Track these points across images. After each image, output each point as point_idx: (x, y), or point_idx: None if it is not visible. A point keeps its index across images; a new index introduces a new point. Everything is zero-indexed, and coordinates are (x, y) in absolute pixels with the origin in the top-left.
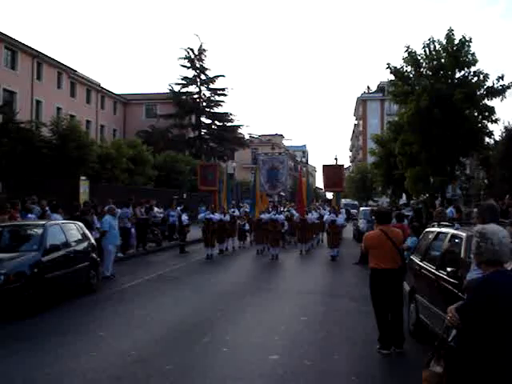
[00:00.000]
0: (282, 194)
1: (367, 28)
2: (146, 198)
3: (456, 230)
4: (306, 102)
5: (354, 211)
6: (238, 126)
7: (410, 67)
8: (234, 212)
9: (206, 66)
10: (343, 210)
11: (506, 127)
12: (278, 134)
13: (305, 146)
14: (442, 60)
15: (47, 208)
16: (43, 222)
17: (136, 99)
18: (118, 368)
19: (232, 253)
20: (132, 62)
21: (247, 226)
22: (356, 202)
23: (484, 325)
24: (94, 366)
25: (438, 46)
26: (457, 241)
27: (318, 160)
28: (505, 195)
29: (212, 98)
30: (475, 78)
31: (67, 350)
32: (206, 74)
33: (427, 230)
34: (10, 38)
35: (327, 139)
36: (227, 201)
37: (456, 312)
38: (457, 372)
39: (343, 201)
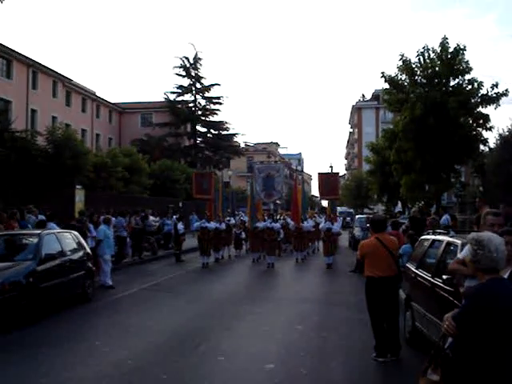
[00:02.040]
0: (277, 202)
1: (362, 36)
2: (142, 206)
3: (451, 237)
4: (301, 110)
5: (348, 219)
6: (234, 135)
7: (404, 75)
8: (229, 220)
9: (202, 75)
10: (340, 218)
11: (500, 134)
12: (274, 142)
13: (300, 154)
14: (437, 68)
15: (42, 217)
16: (38, 232)
17: (131, 108)
18: (114, 377)
19: (228, 261)
20: (127, 71)
21: (243, 235)
22: (351, 210)
23: (482, 332)
24: (90, 375)
25: (432, 55)
26: (452, 248)
27: (313, 168)
28: (500, 202)
29: (207, 107)
30: (469, 86)
31: (63, 359)
32: (201, 83)
33: (422, 237)
34: (5, 47)
35: (322, 147)
36: (222, 209)
37: (453, 320)
38: (454, 380)
39: (339, 209)
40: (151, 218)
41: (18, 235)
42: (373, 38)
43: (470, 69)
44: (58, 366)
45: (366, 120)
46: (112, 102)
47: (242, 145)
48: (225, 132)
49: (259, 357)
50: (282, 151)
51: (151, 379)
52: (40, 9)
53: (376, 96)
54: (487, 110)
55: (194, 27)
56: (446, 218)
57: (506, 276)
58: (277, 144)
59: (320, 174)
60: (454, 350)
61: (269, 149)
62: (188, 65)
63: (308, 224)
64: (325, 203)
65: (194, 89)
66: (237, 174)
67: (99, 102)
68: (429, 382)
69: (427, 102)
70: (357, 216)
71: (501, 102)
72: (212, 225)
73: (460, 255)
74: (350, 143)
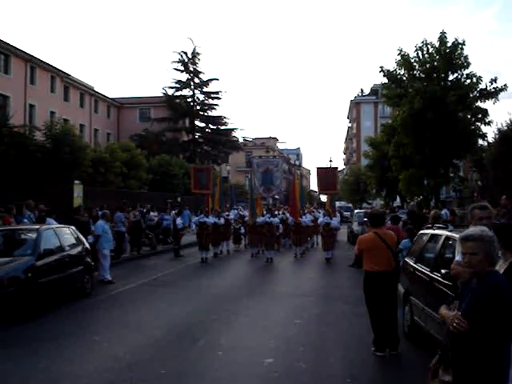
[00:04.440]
0: (276, 196)
1: (361, 31)
2: (140, 201)
3: (450, 231)
4: (300, 105)
5: (347, 214)
6: (232, 130)
7: (403, 70)
8: (228, 215)
9: (200, 70)
10: (337, 213)
11: (498, 129)
12: (272, 137)
13: (299, 148)
14: (435, 63)
15: (37, 212)
16: (37, 227)
17: (130, 103)
18: (112, 372)
19: (227, 256)
20: (125, 66)
21: (242, 229)
22: (350, 205)
23: (498, 325)
24: (89, 370)
25: (430, 49)
26: (451, 243)
27: (312, 163)
28: (499, 196)
29: (206, 102)
30: (468, 81)
31: (62, 354)
32: (199, 78)
33: (421, 232)
34: (3, 42)
35: (321, 142)
36: (220, 204)
37: (463, 317)
38: (466, 378)
39: (337, 203)
40: (151, 212)
41: (16, 230)
42: (372, 33)
43: (469, 63)
44: (58, 360)
45: (364, 115)
46: (110, 97)
47: (241, 140)
48: (223, 127)
49: (258, 351)
50: (280, 146)
51: (150, 374)
52: (38, 4)
53: (375, 90)
54: (486, 104)
55: (192, 22)
56: (445, 212)
57: (501, 271)
58: (275, 139)
59: (318, 169)
60: (464, 347)
61: (267, 144)
62: (186, 59)
63: (307, 219)
64: (323, 198)
65: (192, 83)
66: (235, 168)
67: (97, 97)
68: None
69: (426, 97)
70: (355, 211)
71: (499, 96)
72: (211, 219)
73: (459, 258)
74: (349, 138)
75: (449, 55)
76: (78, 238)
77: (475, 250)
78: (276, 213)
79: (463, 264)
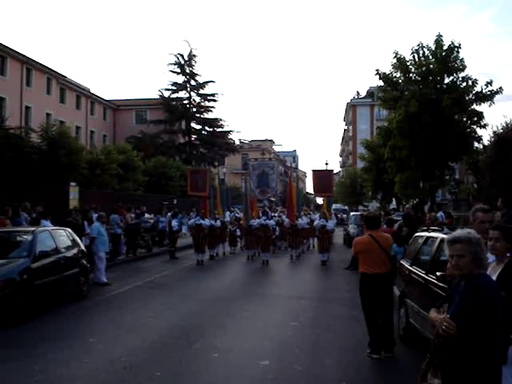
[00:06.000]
0: (272, 199)
1: (357, 33)
2: (136, 203)
3: (445, 234)
4: (296, 108)
5: (343, 216)
6: (228, 132)
7: (398, 73)
8: (224, 218)
9: (196, 72)
10: (333, 215)
11: (494, 132)
12: (268, 139)
13: (295, 151)
14: (431, 65)
15: (34, 214)
16: (33, 229)
17: (126, 105)
18: (108, 374)
19: (222, 258)
20: (122, 68)
21: (238, 232)
22: (346, 207)
23: (486, 327)
24: (84, 372)
25: (426, 52)
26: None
27: (308, 165)
28: (494, 199)
29: (202, 104)
30: (464, 84)
31: (57, 356)
32: (195, 80)
33: (417, 234)
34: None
35: (317, 144)
36: (223, 208)
37: (452, 319)
38: (456, 381)
39: (333, 206)
40: (146, 214)
41: (12, 232)
42: (369, 36)
43: (465, 66)
44: (53, 363)
45: (360, 117)
46: (106, 98)
47: (237, 142)
48: (219, 129)
49: (254, 353)
50: (276, 148)
51: (145, 376)
52: (35, 5)
53: (371, 93)
54: (481, 107)
55: (188, 24)
56: (440, 215)
57: (495, 277)
58: (271, 141)
59: (314, 171)
60: (453, 350)
61: (263, 146)
62: (183, 62)
63: (303, 221)
64: (319, 200)
65: (188, 86)
66: (232, 171)
67: (93, 99)
68: None
69: (422, 100)
70: (352, 213)
71: (495, 99)
72: (207, 222)
73: None
74: (345, 140)
75: (445, 58)
76: (73, 240)
77: (462, 252)
78: (272, 215)
79: (451, 266)
